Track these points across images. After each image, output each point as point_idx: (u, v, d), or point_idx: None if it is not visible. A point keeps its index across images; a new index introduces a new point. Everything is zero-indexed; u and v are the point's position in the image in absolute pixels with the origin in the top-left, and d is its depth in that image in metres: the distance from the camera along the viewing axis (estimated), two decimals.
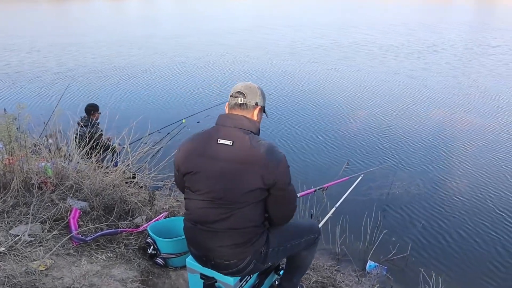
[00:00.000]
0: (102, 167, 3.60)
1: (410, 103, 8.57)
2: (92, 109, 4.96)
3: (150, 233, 2.71)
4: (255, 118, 2.04)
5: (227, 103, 2.06)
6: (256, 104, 2.02)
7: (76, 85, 9.72)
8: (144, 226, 2.93)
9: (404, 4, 34.19)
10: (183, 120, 6.48)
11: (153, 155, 4.43)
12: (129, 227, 2.94)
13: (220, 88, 9.31)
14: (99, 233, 2.70)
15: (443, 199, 4.97)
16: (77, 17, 25.50)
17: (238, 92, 2.02)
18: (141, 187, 3.65)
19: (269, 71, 11.23)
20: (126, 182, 3.54)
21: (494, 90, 9.54)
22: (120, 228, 2.88)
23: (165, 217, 3.05)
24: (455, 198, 5.00)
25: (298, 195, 2.38)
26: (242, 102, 2.00)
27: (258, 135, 2.02)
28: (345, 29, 18.88)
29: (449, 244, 4.21)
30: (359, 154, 6.09)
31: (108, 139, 4.73)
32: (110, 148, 4.56)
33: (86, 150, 3.73)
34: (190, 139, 2.06)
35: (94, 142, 3.85)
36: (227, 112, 2.05)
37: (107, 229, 2.80)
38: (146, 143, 4.23)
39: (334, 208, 3.49)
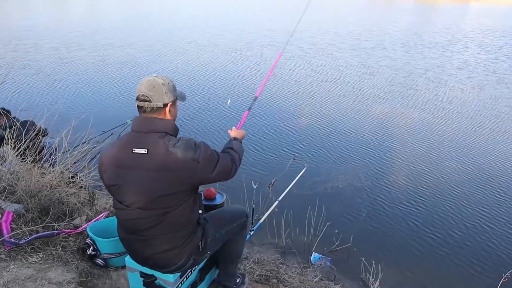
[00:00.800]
0: (39, 167, 3.46)
1: (353, 100, 8.85)
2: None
3: (90, 233, 2.64)
4: (168, 117, 1.96)
5: (136, 103, 1.95)
6: (164, 105, 1.92)
7: (11, 81, 9.24)
8: (83, 226, 2.85)
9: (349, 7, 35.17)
10: (128, 121, 6.33)
11: (95, 155, 4.31)
12: (68, 229, 2.85)
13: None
14: (34, 236, 2.60)
15: (383, 191, 5.20)
16: (16, 11, 24.19)
17: (143, 95, 1.89)
18: (81, 187, 3.54)
19: (213, 66, 11.20)
20: (66, 183, 3.43)
21: (433, 87, 10.04)
22: (58, 229, 2.78)
23: (106, 217, 2.98)
24: (394, 190, 5.24)
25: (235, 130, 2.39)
26: (149, 107, 1.90)
27: (176, 132, 1.97)
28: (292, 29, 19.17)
29: (388, 233, 4.42)
30: (305, 149, 6.23)
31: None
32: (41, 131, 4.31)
33: (21, 150, 3.57)
34: (109, 148, 1.99)
35: (30, 140, 3.69)
36: (136, 117, 1.97)
37: (43, 232, 2.70)
38: (87, 142, 4.11)
39: (277, 202, 3.55)
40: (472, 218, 4.70)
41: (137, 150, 1.86)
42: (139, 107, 1.93)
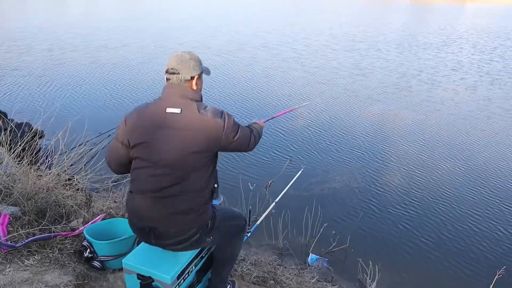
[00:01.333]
0: (35, 169, 3.45)
1: (348, 101, 8.87)
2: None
3: (86, 236, 2.64)
4: (195, 87, 2.12)
5: (165, 77, 2.11)
6: (192, 77, 2.08)
7: (4, 83, 9.20)
8: (80, 229, 2.84)
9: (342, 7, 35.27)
10: None
11: (92, 157, 4.30)
12: (64, 231, 2.84)
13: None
14: (30, 239, 2.59)
15: (380, 192, 5.21)
16: (11, 11, 24.09)
17: (172, 69, 2.06)
18: (78, 189, 3.53)
19: (217, 66, 11.20)
20: (62, 185, 3.42)
21: (426, 88, 10.09)
22: (54, 232, 2.77)
23: (103, 219, 2.98)
24: (390, 191, 5.26)
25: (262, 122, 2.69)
26: (177, 79, 2.06)
27: (201, 101, 2.12)
28: (287, 30, 19.18)
29: (385, 234, 4.43)
30: (301, 150, 6.24)
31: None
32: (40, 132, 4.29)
33: (17, 153, 3.55)
34: (136, 111, 2.10)
35: (26, 143, 3.67)
36: (166, 85, 2.11)
37: (40, 234, 2.69)
38: (83, 144, 4.10)
39: (274, 203, 3.55)
40: (467, 219, 4.73)
41: (170, 110, 2.01)
42: (168, 79, 2.09)
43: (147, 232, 2.10)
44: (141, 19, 21.58)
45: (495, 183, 5.52)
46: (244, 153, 5.89)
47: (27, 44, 13.85)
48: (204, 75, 2.21)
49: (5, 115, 4.30)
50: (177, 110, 2.00)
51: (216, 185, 2.17)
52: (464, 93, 9.72)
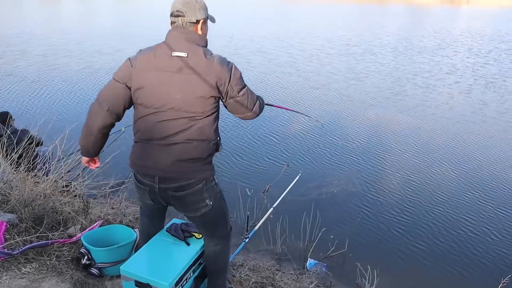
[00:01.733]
0: (32, 176, 3.43)
1: (344, 106, 8.89)
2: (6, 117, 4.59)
3: (84, 242, 2.63)
4: (200, 32, 2.07)
5: (170, 21, 2.07)
6: (197, 21, 2.04)
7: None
8: (78, 236, 2.83)
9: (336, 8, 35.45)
10: (122, 128, 6.28)
11: None
12: (62, 238, 2.83)
13: None
14: (27, 246, 2.57)
15: (378, 196, 5.22)
16: (5, 17, 24.05)
17: (177, 11, 2.02)
18: (75, 196, 3.52)
19: None
20: (60, 192, 3.41)
21: (421, 92, 10.13)
22: (52, 239, 2.76)
23: (100, 226, 2.97)
24: (388, 195, 5.26)
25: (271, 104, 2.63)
26: (182, 22, 2.02)
27: (207, 46, 2.08)
28: (282, 35, 19.23)
29: (383, 239, 4.43)
30: (298, 155, 6.24)
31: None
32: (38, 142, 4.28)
33: (14, 159, 3.54)
34: (141, 54, 2.06)
35: (23, 149, 3.66)
36: (171, 29, 2.07)
37: (37, 241, 2.67)
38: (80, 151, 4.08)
39: (272, 209, 3.55)
40: (464, 224, 4.73)
41: (177, 54, 1.97)
42: (172, 23, 2.05)
43: (152, 176, 2.07)
44: (136, 24, 21.57)
45: (491, 187, 5.53)
46: (241, 156, 5.96)
47: (21, 49, 13.82)
48: (209, 22, 2.16)
49: (3, 121, 4.28)
50: (184, 54, 1.96)
51: (219, 138, 2.16)
52: (459, 96, 9.76)
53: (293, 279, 3.40)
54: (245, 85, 2.11)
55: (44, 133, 4.31)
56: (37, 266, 2.49)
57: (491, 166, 6.13)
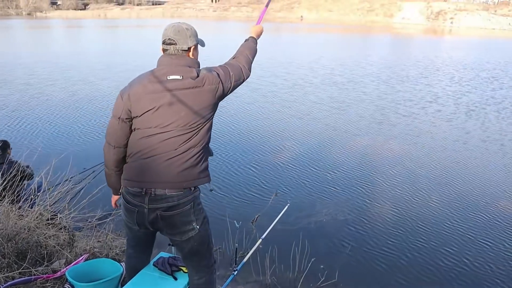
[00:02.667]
0: (17, 208, 3.37)
1: (333, 133, 8.98)
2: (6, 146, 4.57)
3: (69, 277, 2.57)
4: (192, 57, 2.19)
5: (161, 48, 2.17)
6: (189, 48, 2.16)
7: None
8: (62, 271, 2.76)
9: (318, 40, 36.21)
10: None
11: (76, 194, 4.23)
12: (46, 273, 2.76)
13: None
14: (9, 283, 2.50)
15: (367, 225, 5.20)
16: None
17: (169, 39, 2.13)
18: (61, 228, 3.45)
19: None
20: (45, 224, 3.34)
21: (408, 121, 10.29)
22: (35, 274, 2.69)
23: (86, 260, 2.91)
24: (378, 222, 5.25)
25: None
26: (175, 50, 2.13)
27: (199, 68, 2.20)
28: (265, 64, 19.53)
29: (373, 267, 4.39)
30: (286, 185, 6.23)
31: (27, 166, 4.38)
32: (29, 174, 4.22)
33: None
34: (135, 83, 2.14)
35: (8, 182, 3.59)
36: (163, 55, 2.18)
37: (20, 277, 2.60)
38: (67, 181, 4.04)
39: (260, 240, 3.52)
40: (457, 248, 4.73)
41: (172, 77, 2.08)
42: (164, 50, 2.16)
43: (142, 195, 2.09)
44: (121, 53, 21.72)
45: (476, 216, 5.56)
46: (229, 187, 5.94)
47: (3, 78, 13.79)
48: (199, 47, 2.28)
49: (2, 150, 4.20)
50: (179, 77, 2.07)
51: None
52: (441, 124, 9.87)
53: None
54: (229, 71, 2.25)
55: (30, 164, 4.25)
56: None
57: (474, 194, 6.17)
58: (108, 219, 3.85)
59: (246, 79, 2.39)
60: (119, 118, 2.12)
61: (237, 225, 3.27)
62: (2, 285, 2.46)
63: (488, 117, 10.61)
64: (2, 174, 3.68)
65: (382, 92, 13.48)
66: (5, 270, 2.64)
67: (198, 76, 2.09)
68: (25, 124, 8.81)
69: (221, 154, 7.31)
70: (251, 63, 2.45)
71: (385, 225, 5.21)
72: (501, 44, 36.83)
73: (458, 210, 5.66)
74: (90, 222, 3.75)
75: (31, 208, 3.54)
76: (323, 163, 7.15)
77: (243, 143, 8.04)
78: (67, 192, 3.94)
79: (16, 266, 2.72)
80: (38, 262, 2.86)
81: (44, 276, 2.66)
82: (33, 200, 3.84)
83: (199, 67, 2.19)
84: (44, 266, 2.81)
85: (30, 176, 4.18)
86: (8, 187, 3.56)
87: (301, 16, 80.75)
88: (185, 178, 2.10)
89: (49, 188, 3.79)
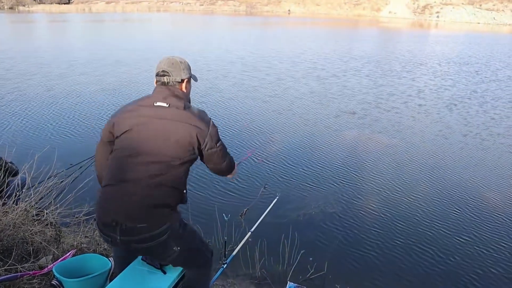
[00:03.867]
0: (0, 205, 3.30)
1: (321, 127, 9.01)
2: None
3: (56, 274, 2.53)
4: (184, 90, 2.21)
5: (155, 80, 2.20)
6: (182, 80, 2.19)
7: None
8: (49, 267, 2.72)
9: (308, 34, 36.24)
10: None
11: (62, 190, 4.16)
12: (32, 270, 2.71)
13: None
14: None
15: (355, 216, 5.25)
16: None
17: (163, 71, 2.16)
18: (47, 224, 3.39)
19: (198, 97, 11.13)
20: (30, 220, 3.28)
21: (400, 112, 10.37)
22: (21, 271, 2.64)
23: (73, 255, 2.87)
24: (365, 214, 5.30)
25: (236, 162, 2.61)
26: (168, 81, 2.15)
27: (189, 103, 2.23)
28: (248, 59, 19.48)
29: (362, 258, 4.44)
30: (275, 178, 6.24)
31: (11, 162, 4.30)
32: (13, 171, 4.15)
33: None
34: (124, 106, 2.17)
35: None
36: (157, 85, 2.20)
37: (5, 274, 2.55)
38: (53, 176, 3.98)
39: (249, 233, 3.51)
40: (445, 239, 4.80)
41: (158, 103, 2.09)
42: (158, 81, 2.19)
43: (113, 226, 2.01)
44: (103, 49, 21.42)
45: (459, 201, 5.68)
46: (217, 180, 5.91)
47: None
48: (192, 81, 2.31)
49: None
50: (165, 104, 2.08)
51: (185, 191, 2.20)
52: (423, 119, 9.94)
53: None
54: (220, 140, 2.23)
55: (10, 158, 4.17)
56: None
57: (456, 185, 6.27)
58: (95, 215, 3.80)
59: (221, 166, 2.37)
60: (102, 139, 2.20)
61: (225, 218, 3.26)
62: None
63: (469, 111, 10.69)
64: None
65: (364, 86, 13.49)
66: None
67: (185, 109, 2.09)
68: (3, 120, 8.65)
69: None
70: (232, 168, 2.51)
71: (372, 216, 5.26)
72: (484, 39, 37.26)
73: (441, 200, 5.76)
74: (77, 217, 3.69)
75: (16, 204, 3.48)
76: (309, 157, 7.17)
77: (230, 137, 8.02)
78: (52, 188, 3.88)
79: (1, 263, 2.67)
80: (24, 259, 2.81)
81: (31, 272, 2.61)
82: (17, 196, 3.77)
83: (190, 102, 2.22)
84: (31, 263, 2.76)
85: (15, 173, 4.11)
86: None
87: (289, 10, 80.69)
88: (152, 216, 2.02)
89: (33, 185, 3.72)
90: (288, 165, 6.74)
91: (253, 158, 6.93)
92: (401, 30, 45.92)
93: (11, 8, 69.75)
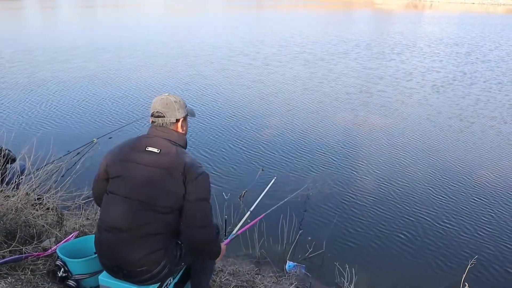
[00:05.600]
0: (2, 190, 3.32)
1: (318, 108, 9.05)
2: None
3: (60, 255, 2.57)
4: (180, 130, 2.18)
5: (150, 119, 2.17)
6: (177, 120, 2.15)
7: None
8: (52, 248, 2.76)
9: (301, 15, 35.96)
10: (94, 140, 6.19)
11: (62, 175, 4.19)
12: (36, 252, 2.75)
13: (135, 104, 8.98)
14: (0, 261, 2.49)
15: (352, 196, 5.32)
16: None
17: (158, 112, 2.12)
18: (48, 208, 3.43)
19: (185, 83, 11.15)
20: (32, 205, 3.31)
21: (396, 94, 10.41)
22: (26, 253, 2.68)
23: (76, 237, 2.91)
24: (362, 194, 5.38)
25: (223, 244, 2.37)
26: (163, 122, 2.12)
27: (185, 147, 2.19)
28: (249, 41, 19.36)
29: (359, 237, 4.52)
30: (272, 159, 6.29)
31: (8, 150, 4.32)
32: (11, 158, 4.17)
33: None
34: (118, 147, 2.16)
35: None
36: (152, 125, 2.17)
37: (10, 256, 2.59)
38: (52, 162, 4.00)
39: (248, 212, 3.56)
40: (440, 218, 4.90)
41: (150, 148, 2.07)
42: (153, 122, 2.16)
43: (116, 271, 2.11)
44: (102, 36, 21.21)
45: (459, 184, 5.76)
46: (215, 162, 5.96)
47: None
48: (189, 117, 2.26)
49: None
50: (156, 150, 2.05)
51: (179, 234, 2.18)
52: (413, 101, 9.94)
53: (273, 282, 3.42)
54: (207, 200, 2.07)
55: (8, 145, 4.17)
56: (11, 281, 2.42)
57: (447, 164, 6.38)
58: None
59: (194, 230, 2.07)
60: (98, 176, 2.18)
61: (225, 197, 3.30)
62: None
63: (456, 93, 10.71)
64: None
65: (354, 70, 13.39)
66: None
67: (177, 154, 2.04)
68: (4, 106, 8.61)
69: (207, 130, 7.33)
70: (209, 240, 2.14)
71: (368, 196, 5.34)
72: (478, 19, 37.14)
73: (434, 179, 5.86)
74: (77, 201, 3.73)
75: (17, 189, 3.50)
76: (308, 138, 7.23)
77: (228, 119, 8.04)
78: (52, 173, 3.91)
79: (5, 245, 2.70)
80: (27, 241, 2.84)
81: (35, 254, 2.65)
82: (17, 181, 3.79)
83: (186, 144, 2.19)
84: (34, 245, 2.79)
85: (13, 160, 4.12)
86: None
87: None
88: (149, 260, 2.05)
89: (33, 171, 3.74)
90: (285, 147, 6.78)
91: (250, 139, 6.97)
92: (396, 11, 45.65)
93: None
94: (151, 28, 24.57)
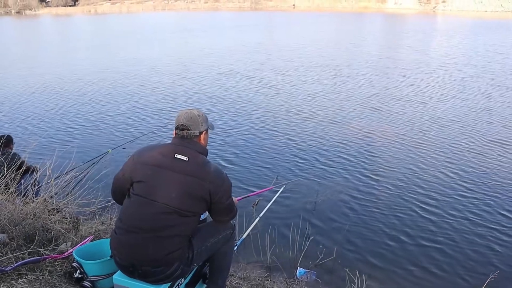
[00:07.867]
0: (22, 195, 3.47)
1: (331, 116, 9.09)
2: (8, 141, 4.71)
3: (76, 257, 2.67)
4: (202, 142, 2.33)
5: (174, 131, 2.31)
6: (200, 133, 2.30)
7: None
8: (69, 251, 2.86)
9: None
10: (109, 150, 6.42)
11: (77, 183, 4.32)
12: (54, 254, 2.86)
13: (147, 117, 9.19)
14: (20, 262, 2.60)
15: (364, 203, 5.32)
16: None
17: (182, 125, 2.26)
18: (65, 214, 3.55)
19: (199, 93, 11.32)
20: (49, 211, 3.44)
21: (406, 100, 10.41)
22: (44, 255, 2.79)
23: (91, 241, 3.01)
24: (374, 201, 5.37)
25: (236, 199, 2.61)
26: (187, 135, 2.26)
27: (207, 156, 2.33)
28: (268, 50, 19.53)
29: (369, 244, 4.52)
30: (286, 167, 6.36)
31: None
32: (32, 169, 4.38)
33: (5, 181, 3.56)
34: (146, 150, 2.28)
35: (12, 171, 3.69)
36: (176, 136, 2.30)
37: (29, 257, 2.70)
38: (70, 171, 4.14)
39: (258, 218, 3.62)
40: (450, 225, 4.86)
41: (179, 156, 2.20)
42: (177, 134, 2.30)
43: (131, 270, 2.20)
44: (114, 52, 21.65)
45: (477, 191, 5.71)
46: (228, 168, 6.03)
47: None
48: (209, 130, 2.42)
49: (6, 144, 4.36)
50: (185, 158, 2.19)
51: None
52: (427, 111, 9.93)
53: (284, 287, 3.46)
54: (231, 196, 2.33)
55: (33, 155, 4.35)
56: (30, 281, 2.52)
57: (467, 174, 6.30)
58: (110, 203, 3.93)
59: (225, 219, 2.43)
60: (123, 174, 2.27)
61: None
62: (14, 264, 2.56)
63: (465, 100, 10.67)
64: (8, 167, 3.78)
65: (371, 82, 13.40)
66: (15, 251, 2.74)
67: (204, 164, 2.21)
68: (24, 116, 8.94)
69: (219, 138, 7.45)
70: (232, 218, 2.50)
71: (380, 204, 5.33)
72: (492, 25, 36.77)
73: (450, 187, 5.80)
74: (93, 207, 3.85)
75: (36, 195, 3.64)
76: (320, 145, 7.28)
77: (240, 128, 8.14)
78: (69, 181, 4.04)
79: (25, 248, 2.82)
80: (45, 245, 2.95)
81: (53, 255, 2.76)
82: (37, 188, 3.94)
83: (207, 154, 2.33)
84: (52, 248, 2.91)
85: (35, 171, 4.33)
86: (13, 178, 3.65)
87: (293, 5, 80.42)
88: (165, 261, 2.15)
89: (52, 179, 3.89)
90: (299, 155, 6.84)
91: (263, 147, 7.05)
92: (407, 15, 45.34)
93: (18, 12, 70.34)
94: (163, 47, 24.93)
